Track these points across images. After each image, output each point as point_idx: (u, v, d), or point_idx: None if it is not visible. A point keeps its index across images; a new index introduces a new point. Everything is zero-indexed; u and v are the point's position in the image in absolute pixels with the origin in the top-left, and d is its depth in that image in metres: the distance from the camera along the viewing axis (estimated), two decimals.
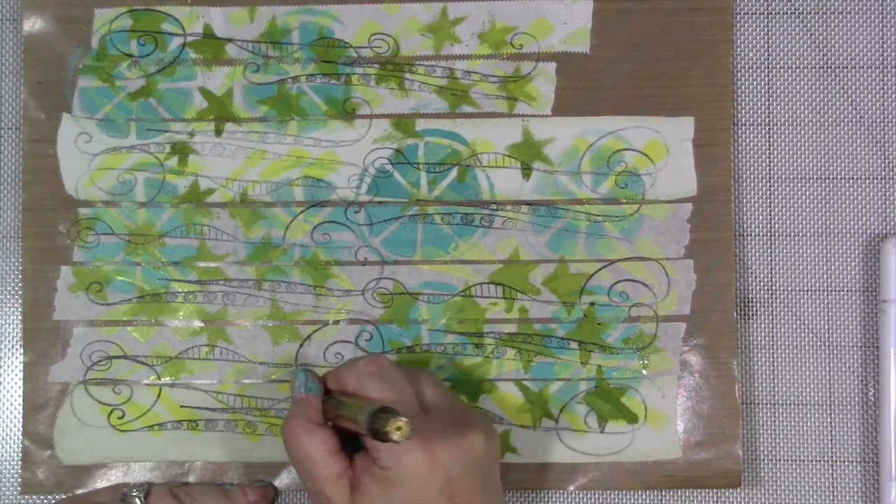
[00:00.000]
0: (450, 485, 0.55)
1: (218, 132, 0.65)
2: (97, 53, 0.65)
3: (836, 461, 0.64)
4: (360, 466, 0.56)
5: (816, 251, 0.65)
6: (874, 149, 0.65)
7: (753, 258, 0.65)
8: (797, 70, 0.65)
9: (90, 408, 0.64)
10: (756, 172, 0.65)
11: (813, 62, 0.65)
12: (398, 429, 0.50)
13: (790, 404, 0.64)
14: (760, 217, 0.65)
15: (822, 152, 0.65)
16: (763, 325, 0.65)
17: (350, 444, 0.57)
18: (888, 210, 0.65)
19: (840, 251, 0.65)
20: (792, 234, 0.65)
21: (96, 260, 0.64)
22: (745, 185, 0.65)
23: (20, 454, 0.64)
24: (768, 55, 0.65)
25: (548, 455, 0.64)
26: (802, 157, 0.65)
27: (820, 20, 0.65)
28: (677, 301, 0.64)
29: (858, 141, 0.65)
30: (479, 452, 0.56)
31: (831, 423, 0.64)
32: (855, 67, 0.65)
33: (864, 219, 0.65)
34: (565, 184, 0.64)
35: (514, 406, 0.64)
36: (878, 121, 0.65)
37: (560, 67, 0.65)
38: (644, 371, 0.64)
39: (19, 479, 0.64)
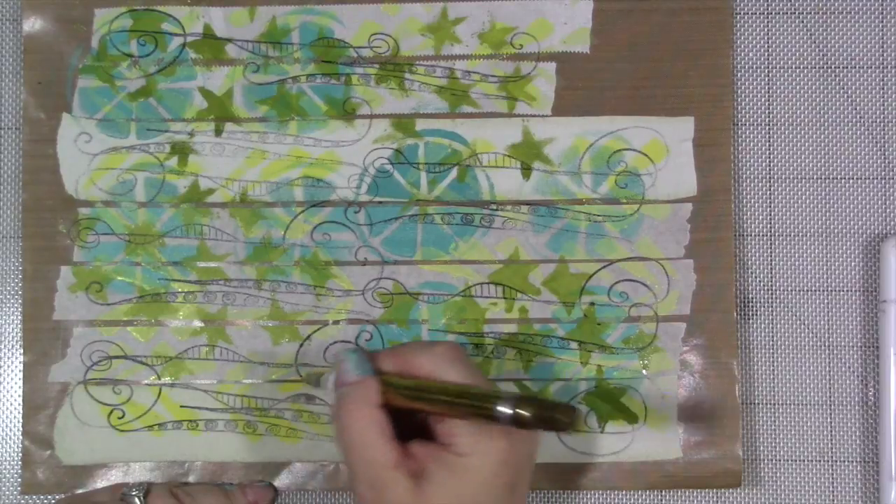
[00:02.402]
0: (516, 475, 0.54)
1: (218, 132, 0.65)
2: (97, 53, 0.65)
3: (836, 461, 0.64)
4: (423, 455, 0.54)
5: (816, 251, 0.65)
6: (874, 149, 0.65)
7: (753, 258, 0.65)
8: (797, 70, 0.65)
9: (90, 408, 0.64)
10: (756, 172, 0.65)
11: (813, 62, 0.65)
12: (577, 416, 0.50)
13: (790, 404, 0.64)
14: (760, 217, 0.65)
15: (822, 152, 0.65)
16: (763, 325, 0.65)
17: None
18: (888, 210, 0.65)
19: (840, 251, 0.65)
20: (792, 234, 0.65)
21: (96, 260, 0.64)
22: (745, 185, 0.65)
23: (20, 454, 0.64)
24: (768, 55, 0.65)
25: (548, 455, 0.64)
26: (802, 157, 0.65)
27: (820, 20, 0.65)
28: (677, 301, 0.64)
29: (858, 141, 0.65)
30: (536, 448, 0.56)
31: (831, 423, 0.64)
32: (855, 67, 0.65)
33: (864, 219, 0.65)
34: (565, 184, 0.64)
35: None
36: (878, 121, 0.65)
37: (560, 67, 0.65)
38: (644, 371, 0.64)
39: (19, 479, 0.64)
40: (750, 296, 0.65)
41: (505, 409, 0.51)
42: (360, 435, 0.54)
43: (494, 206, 0.64)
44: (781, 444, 0.64)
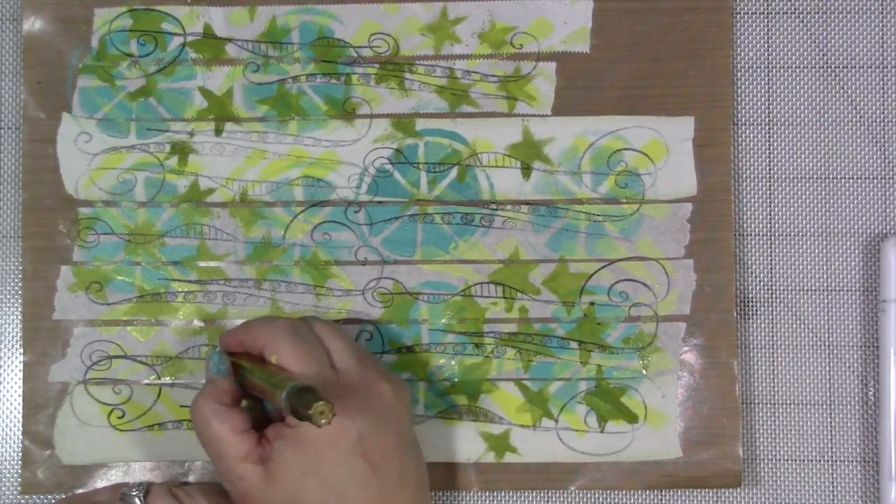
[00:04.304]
0: (360, 441, 0.54)
1: (218, 132, 0.65)
2: (97, 53, 0.65)
3: (836, 461, 0.64)
4: (271, 436, 0.56)
5: (816, 251, 0.65)
6: (874, 149, 0.65)
7: (753, 258, 0.65)
8: (797, 70, 0.65)
9: (90, 408, 0.64)
10: (756, 172, 0.65)
11: (813, 62, 0.65)
12: (321, 413, 0.49)
13: (790, 404, 0.64)
14: (760, 217, 0.65)
15: (822, 152, 0.65)
16: (763, 325, 0.65)
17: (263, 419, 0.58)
18: (888, 210, 0.65)
19: (840, 251, 0.65)
20: (792, 234, 0.65)
21: (96, 260, 0.64)
22: (745, 185, 0.65)
23: (20, 454, 0.64)
24: (768, 55, 0.65)
25: (548, 455, 0.64)
26: (802, 157, 0.65)
27: (820, 20, 0.65)
28: (677, 301, 0.64)
29: (858, 141, 0.65)
30: (387, 406, 0.56)
31: (831, 423, 0.64)
32: (855, 67, 0.65)
33: (864, 219, 0.65)
34: (565, 183, 0.64)
35: (514, 406, 0.64)
36: (878, 121, 0.65)
37: (560, 67, 0.65)
38: (644, 371, 0.64)
39: (19, 479, 0.64)
40: (750, 296, 0.65)
41: (282, 398, 0.51)
42: (209, 430, 0.56)
43: (494, 206, 0.64)
44: (781, 444, 0.64)
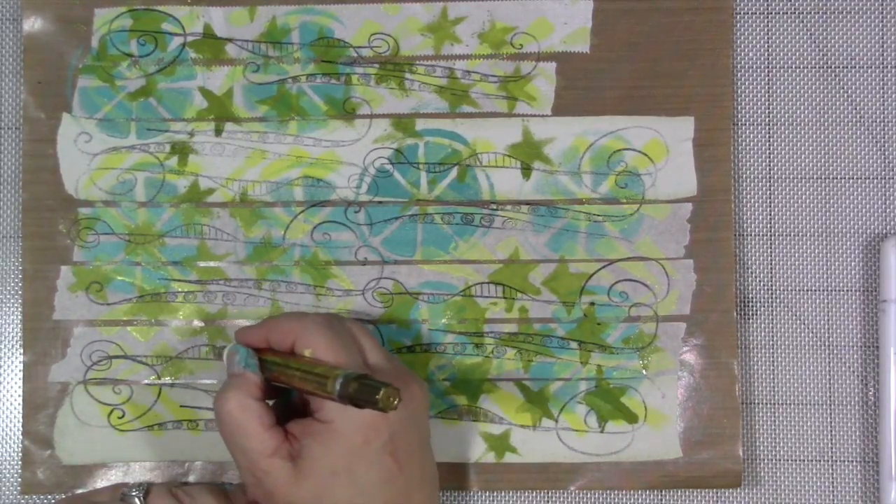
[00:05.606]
0: (392, 440, 0.54)
1: (218, 132, 0.65)
2: (97, 53, 0.65)
3: (836, 461, 0.64)
4: (297, 433, 0.55)
5: (816, 251, 0.65)
6: (874, 149, 0.65)
7: (753, 258, 0.65)
8: (797, 70, 0.65)
9: (90, 408, 0.64)
10: (756, 172, 0.65)
11: (813, 62, 0.65)
12: (389, 397, 0.49)
13: (790, 404, 0.64)
14: (760, 217, 0.65)
15: (822, 152, 0.65)
16: (763, 325, 0.65)
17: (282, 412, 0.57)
18: (888, 210, 0.65)
19: (840, 251, 0.65)
20: (792, 234, 0.65)
21: (96, 260, 0.64)
22: (745, 185, 0.65)
23: (20, 454, 0.64)
24: (768, 55, 0.65)
25: (548, 455, 0.64)
26: (802, 157, 0.65)
27: (820, 20, 0.65)
28: (677, 301, 0.64)
29: (858, 141, 0.65)
30: (417, 406, 0.57)
31: (831, 423, 0.64)
32: (855, 67, 0.65)
33: (864, 219, 0.65)
34: (565, 184, 0.64)
35: (514, 406, 0.64)
36: (878, 121, 0.65)
37: (560, 67, 0.65)
38: (644, 371, 0.64)
39: (19, 479, 0.64)
40: (750, 296, 0.65)
41: (335, 388, 0.51)
42: (237, 425, 0.55)
43: (494, 206, 0.64)
44: (781, 444, 0.64)
